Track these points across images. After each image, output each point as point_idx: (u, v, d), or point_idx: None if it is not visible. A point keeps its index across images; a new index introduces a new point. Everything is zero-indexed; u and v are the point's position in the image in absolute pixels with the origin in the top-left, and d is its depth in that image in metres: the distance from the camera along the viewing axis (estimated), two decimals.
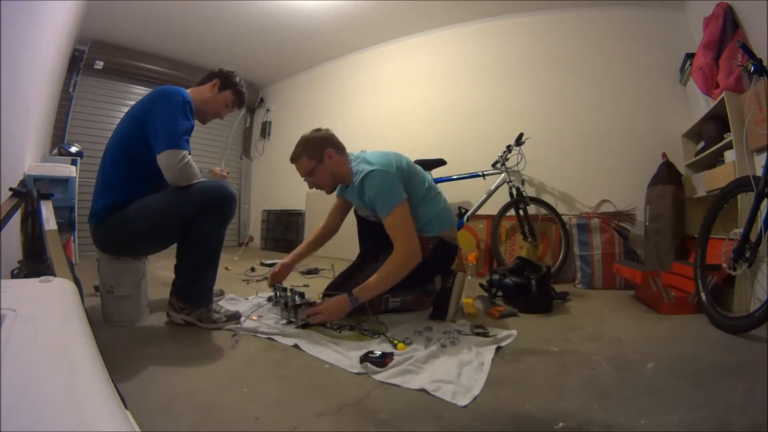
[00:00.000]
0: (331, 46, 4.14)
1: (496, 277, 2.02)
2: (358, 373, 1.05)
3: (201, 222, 1.38)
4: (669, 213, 2.36)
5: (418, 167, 1.75)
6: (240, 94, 1.68)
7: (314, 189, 1.74)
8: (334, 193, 1.83)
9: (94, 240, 1.46)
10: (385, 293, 1.52)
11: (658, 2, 2.81)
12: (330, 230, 1.92)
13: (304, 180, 1.68)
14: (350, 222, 1.94)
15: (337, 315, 1.44)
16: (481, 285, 2.13)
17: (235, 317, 1.48)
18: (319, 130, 1.68)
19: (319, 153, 1.60)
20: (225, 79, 1.62)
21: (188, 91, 1.52)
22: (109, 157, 1.46)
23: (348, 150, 1.72)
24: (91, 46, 3.80)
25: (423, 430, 0.80)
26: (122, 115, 1.55)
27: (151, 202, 1.41)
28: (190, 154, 1.40)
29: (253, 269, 2.82)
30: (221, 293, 1.91)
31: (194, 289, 1.44)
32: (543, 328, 1.56)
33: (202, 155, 4.73)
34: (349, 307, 1.44)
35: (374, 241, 1.72)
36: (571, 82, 3.10)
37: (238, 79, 1.66)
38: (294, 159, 1.66)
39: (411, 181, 1.62)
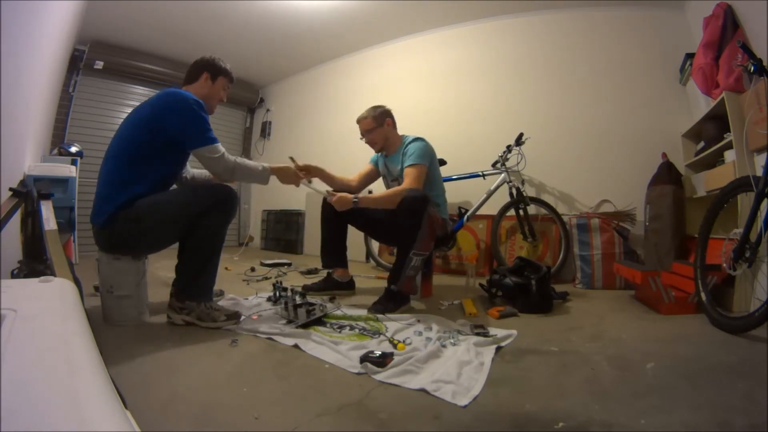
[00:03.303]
0: (331, 46, 4.13)
1: (496, 277, 2.02)
2: (358, 373, 1.05)
3: (207, 218, 1.44)
4: (669, 213, 2.36)
5: (438, 178, 2.17)
6: (230, 75, 1.73)
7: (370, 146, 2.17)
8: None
9: (97, 240, 1.46)
10: (412, 252, 1.74)
11: (658, 2, 2.81)
12: (351, 186, 2.19)
13: (362, 137, 2.13)
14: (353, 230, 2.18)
15: (342, 204, 1.82)
16: (481, 285, 2.13)
17: (235, 317, 1.48)
18: (381, 106, 2.13)
19: (381, 118, 2.08)
20: (212, 69, 1.66)
21: (185, 89, 1.59)
22: (114, 159, 1.47)
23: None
24: (91, 46, 3.80)
25: (423, 430, 0.80)
26: (123, 115, 1.58)
27: (159, 200, 1.44)
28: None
29: (253, 269, 2.82)
30: (221, 293, 1.91)
31: (195, 285, 1.46)
32: (543, 328, 1.56)
33: None
34: (350, 203, 1.82)
35: (365, 225, 2.18)
36: (571, 82, 3.10)
37: (222, 63, 1.69)
38: (361, 118, 2.11)
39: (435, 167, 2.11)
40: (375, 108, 2.11)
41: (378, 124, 2.07)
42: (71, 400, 0.32)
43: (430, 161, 2.01)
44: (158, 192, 1.48)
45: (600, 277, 2.49)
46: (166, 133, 1.45)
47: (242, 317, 1.51)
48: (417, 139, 2.05)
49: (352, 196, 1.84)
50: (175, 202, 1.47)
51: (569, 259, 2.66)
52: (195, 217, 1.43)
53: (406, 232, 1.75)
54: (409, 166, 1.94)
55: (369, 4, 3.34)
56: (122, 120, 1.57)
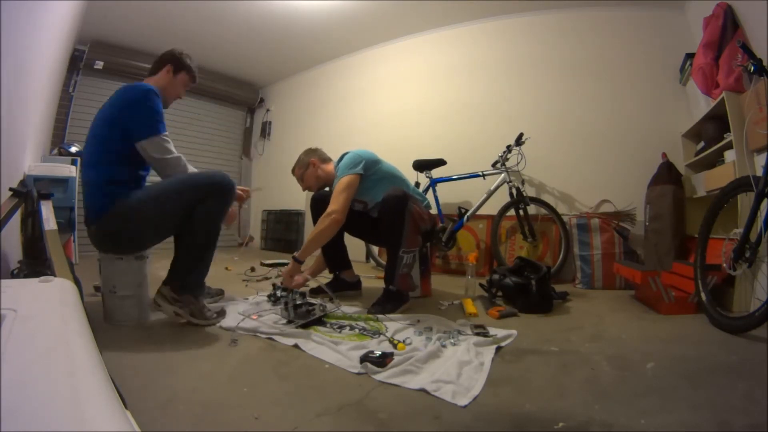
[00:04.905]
0: (331, 46, 4.13)
1: (496, 277, 2.02)
2: (358, 373, 1.05)
3: (204, 206, 1.43)
4: (669, 213, 2.36)
5: (396, 172, 2.06)
6: (193, 73, 1.72)
7: (307, 191, 2.21)
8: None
9: (94, 241, 1.46)
10: (401, 251, 1.72)
11: (658, 2, 2.81)
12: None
13: (300, 183, 2.16)
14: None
15: (288, 275, 1.80)
16: (481, 285, 2.13)
17: (222, 314, 1.52)
18: (307, 149, 2.15)
19: (305, 162, 2.10)
20: (177, 63, 1.66)
21: (146, 81, 1.59)
22: (93, 162, 1.47)
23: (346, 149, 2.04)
24: (91, 46, 3.80)
25: (423, 430, 0.80)
26: None
27: (153, 192, 1.44)
28: (167, 135, 1.49)
29: (253, 269, 2.82)
30: (221, 293, 1.91)
31: (191, 276, 1.47)
32: (543, 328, 1.56)
33: (204, 157, 4.74)
34: (297, 266, 1.81)
35: (362, 232, 2.16)
36: (571, 82, 3.10)
37: (187, 60, 1.69)
38: (292, 170, 2.16)
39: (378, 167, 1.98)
40: (300, 155, 2.13)
41: (305, 168, 2.09)
42: (71, 400, 0.32)
43: (363, 166, 1.89)
44: (136, 189, 1.47)
45: (600, 277, 2.49)
46: (122, 126, 1.43)
47: (227, 310, 1.58)
48: (341, 158, 1.99)
49: (293, 259, 1.80)
50: (168, 193, 1.43)
51: (569, 259, 2.66)
52: (192, 206, 1.42)
53: (391, 232, 1.73)
54: (337, 179, 1.89)
55: (369, 4, 3.34)
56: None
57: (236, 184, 1.55)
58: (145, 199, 1.42)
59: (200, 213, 1.43)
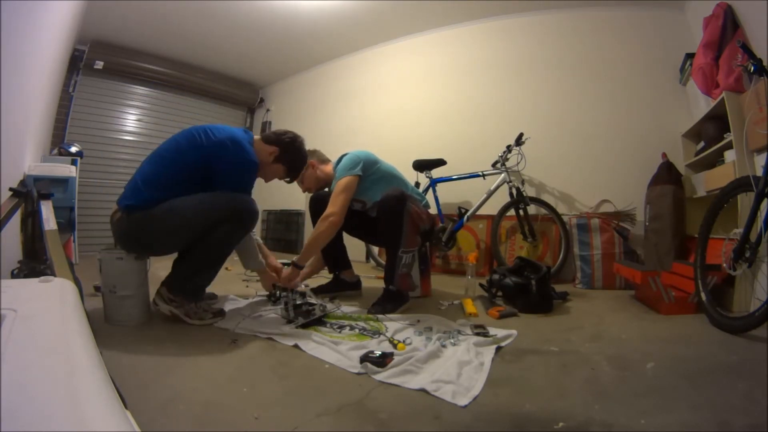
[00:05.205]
0: (331, 46, 4.13)
1: (496, 277, 2.02)
2: (358, 373, 1.05)
3: (224, 227, 1.44)
4: (669, 213, 2.36)
5: (394, 172, 2.06)
6: (291, 173, 1.74)
7: (307, 192, 2.20)
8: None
9: (117, 229, 1.46)
10: (400, 251, 1.72)
11: (658, 2, 2.81)
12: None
13: (300, 185, 2.12)
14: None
15: (287, 280, 1.74)
16: (481, 285, 2.13)
17: (220, 314, 1.52)
18: (308, 150, 2.00)
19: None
20: (282, 152, 1.65)
21: (255, 140, 1.61)
22: (164, 162, 1.49)
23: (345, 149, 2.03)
24: (91, 46, 3.80)
25: (423, 430, 0.80)
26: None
27: (183, 203, 1.43)
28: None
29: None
30: (214, 297, 1.90)
31: (190, 282, 1.48)
32: (543, 328, 1.56)
33: None
34: (296, 272, 1.76)
35: (361, 232, 2.16)
36: (571, 82, 3.10)
37: (295, 156, 1.69)
38: None
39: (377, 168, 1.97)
40: None
41: (304, 170, 2.01)
42: (71, 400, 0.32)
43: (362, 167, 1.88)
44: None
45: (600, 277, 2.49)
46: (208, 176, 1.47)
47: (226, 312, 1.56)
48: (339, 160, 1.99)
49: (292, 265, 1.76)
50: (195, 207, 1.44)
51: (569, 259, 2.66)
52: (213, 225, 1.43)
53: (389, 232, 1.73)
54: (335, 182, 1.88)
55: (369, 4, 3.34)
56: (181, 130, 1.56)
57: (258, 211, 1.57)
58: (170, 211, 1.41)
59: (220, 233, 1.45)
